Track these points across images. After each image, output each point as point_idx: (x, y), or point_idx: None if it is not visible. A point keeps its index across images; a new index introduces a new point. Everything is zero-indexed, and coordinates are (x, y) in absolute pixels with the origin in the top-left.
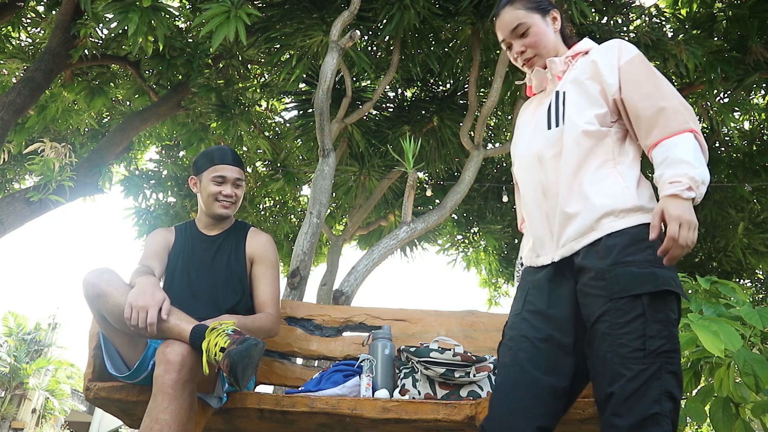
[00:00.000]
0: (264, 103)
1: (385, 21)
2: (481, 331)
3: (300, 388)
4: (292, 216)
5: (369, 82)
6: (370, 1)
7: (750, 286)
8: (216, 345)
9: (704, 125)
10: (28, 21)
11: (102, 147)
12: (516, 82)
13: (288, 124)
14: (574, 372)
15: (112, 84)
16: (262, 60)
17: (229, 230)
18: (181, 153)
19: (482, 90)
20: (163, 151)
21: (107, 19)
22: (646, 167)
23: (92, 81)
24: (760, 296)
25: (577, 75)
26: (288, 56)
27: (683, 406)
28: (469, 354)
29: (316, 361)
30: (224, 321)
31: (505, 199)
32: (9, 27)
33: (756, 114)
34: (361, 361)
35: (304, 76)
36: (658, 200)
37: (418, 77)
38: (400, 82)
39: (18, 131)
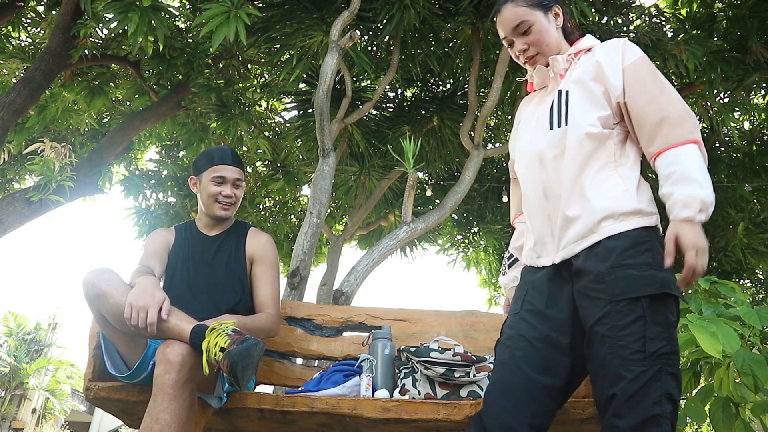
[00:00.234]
0: (264, 103)
1: (385, 21)
2: (481, 331)
3: (300, 388)
4: (292, 216)
5: (369, 82)
6: (370, 1)
7: (750, 286)
8: (216, 345)
9: (704, 125)
10: (28, 21)
11: (102, 147)
12: (517, 79)
13: (288, 124)
14: (569, 372)
15: (112, 84)
16: (262, 60)
17: (229, 230)
18: (181, 153)
19: (482, 90)
20: (163, 151)
21: (107, 19)
22: (645, 168)
23: (92, 81)
24: (760, 296)
25: (580, 75)
26: (288, 56)
27: (683, 406)
28: (469, 354)
29: (316, 361)
30: (224, 321)
31: (505, 199)
32: (9, 27)
33: (756, 114)
34: (361, 361)
35: (304, 76)
36: (656, 200)
37: (418, 77)
38: (400, 82)
39: (18, 131)
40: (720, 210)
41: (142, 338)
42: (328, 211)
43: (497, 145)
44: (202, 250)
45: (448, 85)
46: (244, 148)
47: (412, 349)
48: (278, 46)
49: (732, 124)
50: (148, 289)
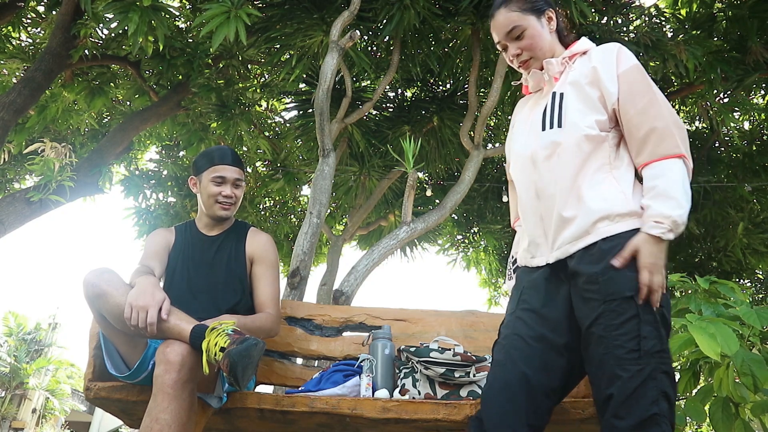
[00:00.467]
0: (264, 103)
1: (385, 21)
2: (481, 331)
3: (300, 388)
4: (292, 216)
5: (369, 82)
6: (370, 1)
7: (750, 286)
8: (216, 345)
9: (704, 125)
10: (29, 21)
11: (102, 147)
12: (513, 83)
13: (288, 124)
14: (565, 372)
15: (112, 84)
16: (262, 60)
17: (229, 230)
18: (181, 153)
19: (482, 90)
20: (163, 151)
21: (107, 19)
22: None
23: (92, 81)
24: (760, 296)
25: (577, 78)
26: (288, 56)
27: (683, 406)
28: (469, 354)
29: (316, 361)
30: (224, 321)
31: (505, 199)
32: (9, 27)
33: (756, 114)
34: (361, 361)
35: (304, 76)
36: None
37: (418, 77)
38: (400, 82)
39: (18, 131)
40: (720, 210)
41: (142, 338)
42: (328, 211)
43: (497, 145)
44: (202, 250)
45: (448, 85)
46: (244, 148)
47: (412, 349)
48: (278, 46)
49: (732, 124)
50: (148, 289)
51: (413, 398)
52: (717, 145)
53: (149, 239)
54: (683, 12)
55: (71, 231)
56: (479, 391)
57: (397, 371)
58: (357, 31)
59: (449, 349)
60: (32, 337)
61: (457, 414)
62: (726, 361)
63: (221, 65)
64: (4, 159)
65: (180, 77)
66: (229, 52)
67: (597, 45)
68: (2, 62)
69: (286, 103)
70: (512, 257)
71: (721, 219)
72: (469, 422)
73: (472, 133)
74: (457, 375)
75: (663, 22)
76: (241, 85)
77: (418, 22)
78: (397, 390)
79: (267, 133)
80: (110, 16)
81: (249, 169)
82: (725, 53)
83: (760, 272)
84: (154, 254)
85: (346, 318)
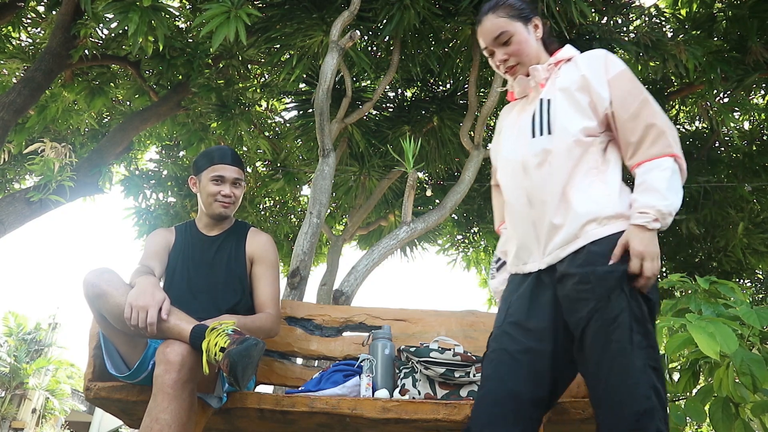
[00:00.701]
0: (264, 103)
1: (385, 21)
2: (481, 331)
3: (300, 388)
4: (292, 216)
5: (369, 82)
6: (370, 1)
7: (750, 286)
8: (216, 345)
9: (704, 125)
10: (28, 21)
11: (102, 147)
12: (498, 89)
13: (288, 124)
14: (552, 380)
15: (112, 84)
16: (262, 60)
17: (229, 230)
18: (181, 153)
19: (482, 90)
20: (163, 151)
21: (107, 19)
22: (625, 173)
23: (92, 81)
24: (760, 296)
25: (566, 85)
26: (288, 56)
27: (683, 406)
28: (469, 354)
29: (316, 361)
30: (224, 321)
31: None
32: (9, 27)
33: (756, 114)
34: (361, 361)
35: (304, 76)
36: None
37: (418, 77)
38: (400, 82)
39: (18, 131)
40: (720, 210)
41: (142, 338)
42: (328, 211)
43: None
44: (202, 250)
45: (448, 85)
46: (244, 148)
47: (412, 349)
48: (278, 46)
49: (732, 124)
50: (148, 289)
51: (413, 398)
52: (717, 145)
53: (149, 239)
54: (683, 12)
55: (71, 231)
56: None
57: (397, 371)
58: (357, 31)
59: (449, 349)
60: (32, 337)
61: (457, 414)
62: (726, 361)
63: (221, 65)
64: (4, 159)
65: (180, 77)
66: (229, 52)
67: (597, 45)
68: (2, 62)
69: (286, 103)
70: (495, 256)
71: (721, 219)
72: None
73: (472, 133)
74: (457, 375)
75: (663, 22)
76: (241, 85)
77: (418, 22)
78: (397, 390)
79: (267, 133)
80: (110, 16)
81: (249, 169)
82: (725, 53)
83: (760, 272)
84: (154, 254)
85: (346, 318)
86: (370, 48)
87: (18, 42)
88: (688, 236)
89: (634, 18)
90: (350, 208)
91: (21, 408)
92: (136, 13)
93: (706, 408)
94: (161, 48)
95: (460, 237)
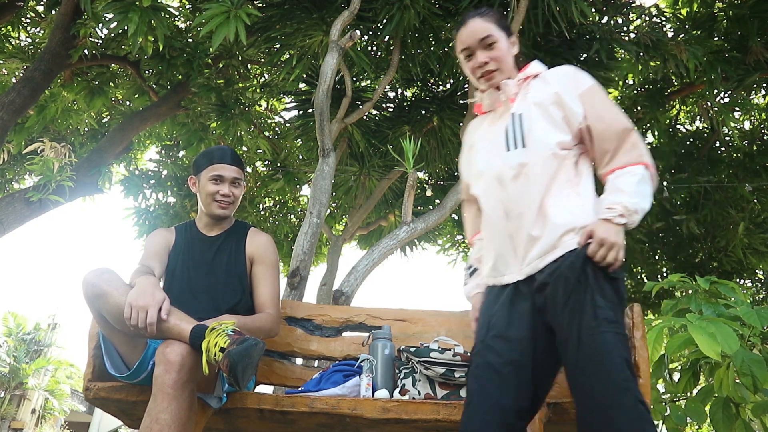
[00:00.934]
0: (264, 103)
1: (385, 21)
2: None
3: (300, 388)
4: (292, 216)
5: (369, 82)
6: (370, 1)
7: (750, 286)
8: (216, 345)
9: (705, 125)
10: (28, 21)
11: (102, 147)
12: (467, 101)
13: (288, 124)
14: (534, 391)
15: (112, 84)
16: (262, 60)
17: (229, 230)
18: (181, 153)
19: None
20: (163, 151)
21: (107, 19)
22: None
23: (92, 81)
24: (761, 296)
25: (540, 100)
26: (288, 56)
27: (683, 406)
28: (469, 354)
29: (316, 361)
30: (224, 321)
31: None
32: (9, 27)
33: (756, 114)
34: (361, 361)
35: (304, 76)
36: None
37: (418, 77)
38: (400, 82)
39: (18, 131)
40: (720, 210)
41: (142, 338)
42: (328, 211)
43: None
44: (202, 250)
45: (448, 85)
46: (244, 148)
47: (412, 349)
48: (278, 46)
49: (732, 124)
50: (148, 289)
51: (413, 398)
52: (717, 145)
53: (149, 239)
54: (683, 12)
55: (71, 231)
56: None
57: (397, 371)
58: (357, 31)
59: (449, 350)
60: (32, 337)
61: (457, 414)
62: (726, 361)
63: (221, 65)
64: (4, 159)
65: (180, 77)
66: (229, 52)
67: (597, 45)
68: (2, 62)
69: (286, 103)
70: (468, 262)
71: (721, 219)
72: None
73: None
74: (457, 375)
75: (663, 22)
76: (241, 85)
77: (418, 22)
78: (397, 390)
79: (267, 133)
80: (110, 16)
81: (249, 169)
82: (726, 53)
83: (761, 272)
84: (154, 254)
85: (346, 318)
86: (370, 48)
87: (17, 42)
88: (689, 236)
89: (634, 18)
90: (350, 208)
91: (20, 408)
92: (135, 13)
93: (707, 408)
94: (161, 48)
95: (460, 237)
